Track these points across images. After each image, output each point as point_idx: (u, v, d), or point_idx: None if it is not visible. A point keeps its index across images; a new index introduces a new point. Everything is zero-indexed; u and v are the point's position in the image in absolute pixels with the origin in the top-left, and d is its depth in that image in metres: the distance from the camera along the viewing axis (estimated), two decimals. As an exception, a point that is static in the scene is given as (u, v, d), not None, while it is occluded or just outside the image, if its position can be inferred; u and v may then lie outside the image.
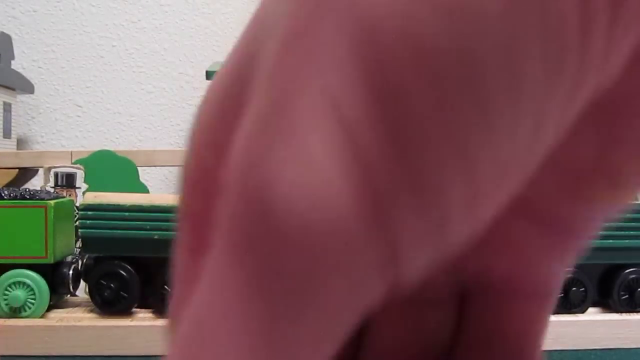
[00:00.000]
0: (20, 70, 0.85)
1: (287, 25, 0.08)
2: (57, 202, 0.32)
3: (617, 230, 0.32)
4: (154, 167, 0.74)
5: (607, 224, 0.31)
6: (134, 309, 0.32)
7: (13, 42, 0.81)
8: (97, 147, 0.62)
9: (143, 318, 0.31)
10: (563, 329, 0.31)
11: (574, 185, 0.11)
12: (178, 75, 0.90)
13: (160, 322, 0.30)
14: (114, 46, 0.89)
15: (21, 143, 0.88)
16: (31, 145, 0.89)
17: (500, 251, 0.12)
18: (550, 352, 0.31)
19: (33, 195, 0.32)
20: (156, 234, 0.30)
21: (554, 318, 0.32)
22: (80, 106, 0.89)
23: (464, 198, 0.08)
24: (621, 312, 0.32)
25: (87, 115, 0.89)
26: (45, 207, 0.31)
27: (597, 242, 0.32)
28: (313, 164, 0.08)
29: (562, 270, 0.12)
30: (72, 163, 0.55)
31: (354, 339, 0.12)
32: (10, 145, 0.79)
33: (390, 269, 0.08)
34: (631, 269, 0.33)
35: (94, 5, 0.89)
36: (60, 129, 0.89)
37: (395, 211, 0.08)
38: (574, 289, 0.32)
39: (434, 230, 0.08)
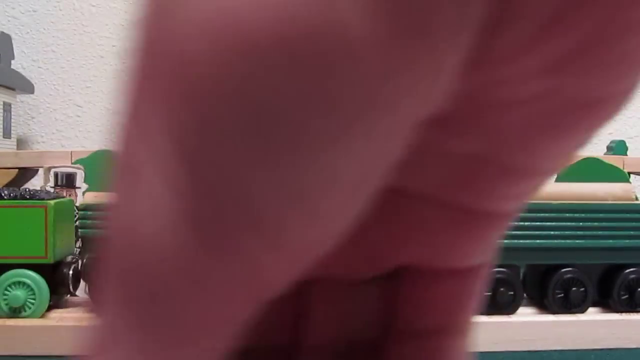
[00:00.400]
0: (20, 70, 0.85)
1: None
2: (57, 202, 0.32)
3: (616, 231, 0.32)
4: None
5: (607, 224, 0.32)
6: None
7: (13, 42, 0.81)
8: (97, 147, 0.62)
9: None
10: (563, 329, 0.31)
11: (468, 176, 0.11)
12: (178, 75, 0.89)
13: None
14: (114, 46, 0.89)
15: (21, 143, 0.88)
16: (31, 145, 0.89)
17: (413, 236, 0.12)
18: (550, 352, 0.31)
19: (33, 195, 0.32)
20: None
21: (554, 318, 0.32)
22: (80, 106, 0.89)
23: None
24: (621, 312, 0.32)
25: (87, 115, 0.89)
26: (46, 207, 0.31)
27: (597, 242, 0.32)
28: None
29: (483, 251, 0.12)
30: (72, 163, 0.55)
31: (290, 334, 0.13)
32: (10, 145, 0.79)
33: None
34: (631, 269, 0.33)
35: (94, 5, 0.88)
36: (60, 129, 0.89)
37: None
38: (574, 289, 0.32)
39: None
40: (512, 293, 0.32)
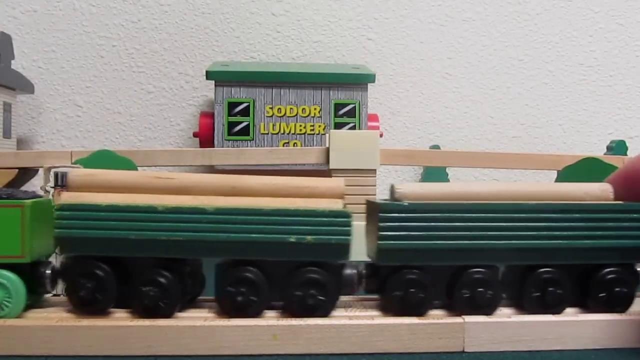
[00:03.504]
0: (20, 70, 0.85)
1: None
2: (34, 202, 0.31)
3: (594, 231, 0.32)
4: (154, 167, 0.74)
5: (584, 225, 0.31)
6: (110, 309, 0.31)
7: (13, 42, 0.81)
8: (97, 147, 0.62)
9: (142, 319, 0.31)
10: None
11: None
12: (178, 75, 0.90)
13: (164, 322, 0.30)
14: (114, 46, 0.89)
15: (21, 143, 0.88)
16: (31, 145, 0.89)
17: None
18: (550, 352, 0.31)
19: (10, 195, 0.31)
20: (133, 234, 0.30)
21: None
22: (80, 106, 0.89)
23: None
24: (599, 312, 0.32)
25: (87, 115, 0.89)
26: (22, 207, 0.31)
27: (575, 243, 0.32)
28: None
29: None
30: (72, 163, 0.55)
31: None
32: (10, 145, 0.79)
33: None
34: (609, 269, 0.33)
35: (94, 5, 0.89)
36: (60, 129, 0.89)
37: None
38: (550, 289, 0.32)
39: None
40: (491, 293, 0.32)
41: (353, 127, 0.73)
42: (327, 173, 0.60)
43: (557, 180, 0.59)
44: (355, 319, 0.31)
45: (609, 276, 0.33)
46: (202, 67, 0.88)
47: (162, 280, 0.31)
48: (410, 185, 0.32)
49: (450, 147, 0.91)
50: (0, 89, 0.77)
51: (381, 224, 0.31)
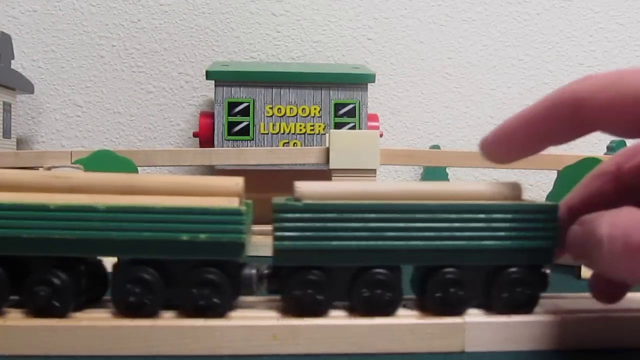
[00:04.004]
0: (20, 70, 0.85)
1: None
2: None
3: (499, 231, 0.31)
4: (154, 167, 0.74)
5: (487, 225, 0.31)
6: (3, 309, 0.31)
7: (13, 42, 0.81)
8: (97, 147, 0.62)
9: (141, 319, 0.31)
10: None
11: None
12: (178, 75, 0.90)
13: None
14: (114, 46, 0.89)
15: (21, 143, 0.88)
16: (31, 145, 0.89)
17: None
18: (550, 352, 0.31)
19: None
20: (25, 233, 0.30)
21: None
22: (80, 106, 0.89)
23: None
24: (502, 313, 0.31)
25: (87, 115, 0.89)
26: None
27: (477, 244, 0.31)
28: None
29: None
30: (72, 163, 0.55)
31: None
32: (10, 145, 0.79)
33: None
34: (513, 269, 0.32)
35: (94, 5, 0.89)
36: (60, 129, 0.89)
37: None
38: (452, 289, 0.31)
39: None
40: (390, 295, 0.31)
41: (353, 127, 0.73)
42: (327, 173, 0.60)
43: (557, 180, 0.59)
44: (355, 319, 0.31)
45: (512, 277, 0.32)
46: (202, 67, 0.88)
47: (54, 280, 0.30)
48: (310, 184, 0.31)
49: (450, 147, 0.91)
50: (0, 89, 0.77)
51: (276, 224, 0.31)
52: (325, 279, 0.31)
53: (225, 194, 0.32)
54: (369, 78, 0.73)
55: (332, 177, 0.58)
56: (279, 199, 0.32)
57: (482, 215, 0.31)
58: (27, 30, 0.88)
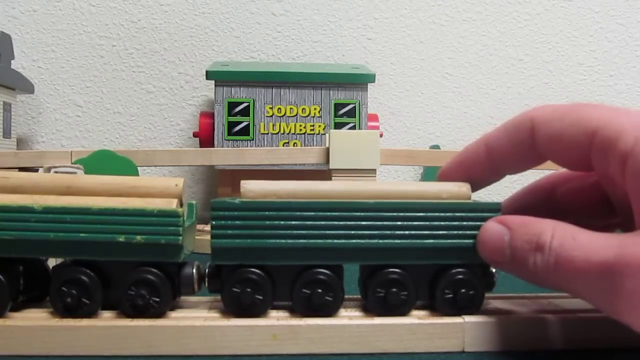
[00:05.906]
0: (20, 70, 0.85)
1: None
2: None
3: (439, 230, 0.31)
4: (154, 167, 0.74)
5: (429, 224, 0.30)
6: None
7: (13, 42, 0.81)
8: (97, 147, 0.62)
9: (140, 319, 0.31)
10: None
11: None
12: (178, 75, 0.90)
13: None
14: (114, 46, 0.89)
15: (21, 143, 0.88)
16: (31, 145, 0.89)
17: None
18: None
19: None
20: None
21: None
22: (80, 106, 0.89)
23: None
24: (445, 314, 0.31)
25: (87, 115, 0.89)
26: None
27: (419, 242, 0.31)
28: None
29: None
30: (72, 163, 0.55)
31: None
32: (10, 145, 0.79)
33: None
34: (457, 270, 0.31)
35: (94, 5, 0.89)
36: (60, 129, 0.89)
37: None
38: (394, 290, 0.31)
39: None
40: (331, 294, 0.31)
41: (353, 127, 0.73)
42: (327, 173, 0.60)
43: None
44: (355, 319, 0.31)
45: (455, 277, 0.31)
46: (202, 67, 0.88)
47: None
48: (255, 183, 0.31)
49: (450, 147, 0.91)
50: (0, 88, 0.77)
51: (213, 222, 0.30)
52: (265, 278, 0.31)
53: (164, 195, 0.32)
54: (369, 78, 0.73)
55: (332, 177, 0.58)
56: (219, 198, 0.32)
57: (422, 214, 0.31)
58: (27, 30, 0.88)
